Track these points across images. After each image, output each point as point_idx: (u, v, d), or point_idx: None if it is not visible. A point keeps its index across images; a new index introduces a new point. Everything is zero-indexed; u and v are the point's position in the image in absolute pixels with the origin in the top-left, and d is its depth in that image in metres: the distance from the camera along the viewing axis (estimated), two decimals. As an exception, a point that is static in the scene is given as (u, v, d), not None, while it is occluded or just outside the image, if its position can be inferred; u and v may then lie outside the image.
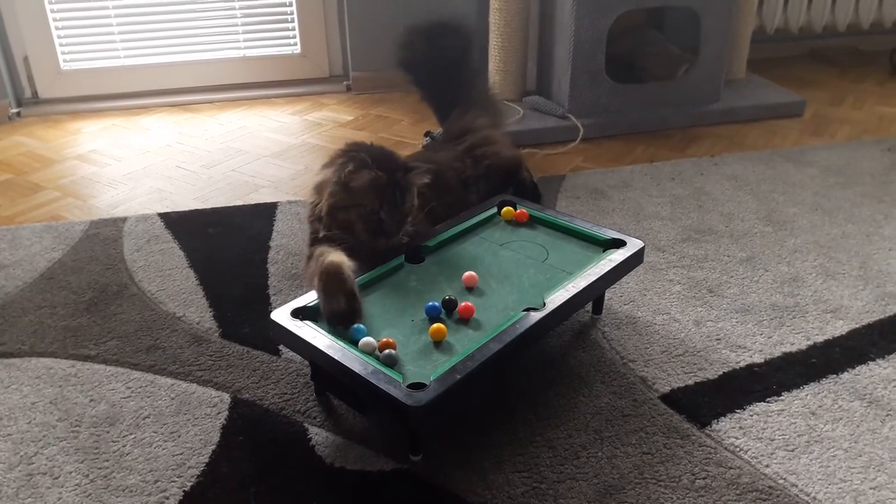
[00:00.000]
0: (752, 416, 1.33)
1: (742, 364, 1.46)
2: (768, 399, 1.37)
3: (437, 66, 2.14)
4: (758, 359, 1.48)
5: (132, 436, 1.30)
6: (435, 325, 1.27)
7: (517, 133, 2.49)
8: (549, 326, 1.38)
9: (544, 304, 1.33)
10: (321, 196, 1.51)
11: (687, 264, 1.80)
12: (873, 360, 1.47)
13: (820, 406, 1.36)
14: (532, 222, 1.64)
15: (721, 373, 1.44)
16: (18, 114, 2.80)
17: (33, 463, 1.24)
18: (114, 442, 1.28)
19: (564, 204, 2.09)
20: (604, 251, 1.52)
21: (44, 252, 1.86)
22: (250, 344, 1.52)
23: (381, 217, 1.45)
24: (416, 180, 1.51)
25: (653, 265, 1.79)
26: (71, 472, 1.22)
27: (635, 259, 1.51)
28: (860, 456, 1.25)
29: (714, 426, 1.31)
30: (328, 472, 1.22)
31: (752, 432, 1.29)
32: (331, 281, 1.32)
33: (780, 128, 2.67)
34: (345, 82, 3.10)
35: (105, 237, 1.93)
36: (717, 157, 2.40)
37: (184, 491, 1.19)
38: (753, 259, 1.82)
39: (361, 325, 1.27)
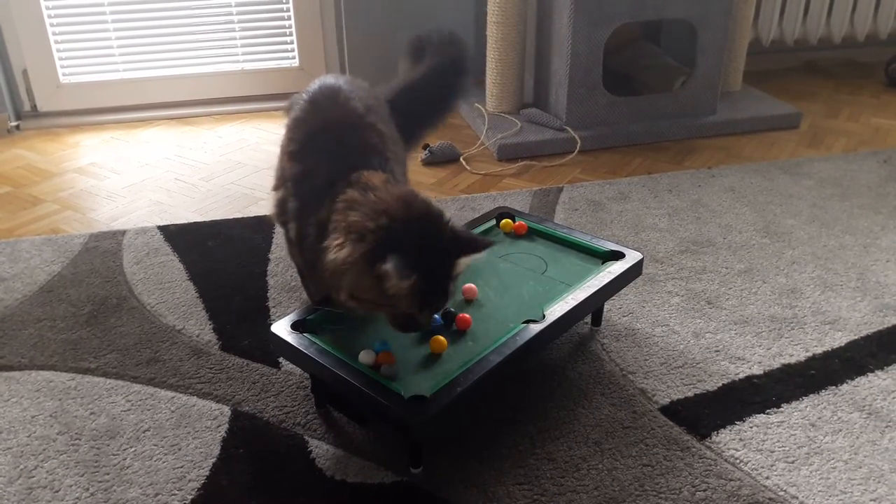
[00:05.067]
0: (751, 427, 1.33)
1: (741, 376, 1.47)
2: (768, 411, 1.37)
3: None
4: (757, 370, 1.48)
5: (132, 449, 1.30)
6: (435, 338, 1.27)
7: (515, 145, 2.51)
8: (549, 338, 1.39)
9: (544, 316, 1.34)
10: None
11: (685, 276, 1.80)
12: (872, 371, 1.48)
13: (819, 418, 1.36)
14: (531, 234, 1.65)
15: (720, 384, 1.44)
16: (18, 127, 2.80)
17: (33, 476, 1.24)
18: (114, 455, 1.28)
19: (563, 216, 2.09)
20: (602, 263, 1.52)
21: (43, 265, 1.86)
22: (250, 356, 1.52)
23: (418, 320, 1.23)
24: (463, 266, 1.23)
25: (651, 277, 1.79)
26: (71, 486, 1.22)
27: (634, 271, 1.52)
28: (860, 468, 1.25)
29: (714, 438, 1.31)
30: (328, 485, 1.22)
31: (752, 444, 1.30)
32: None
33: (776, 140, 2.68)
34: (343, 95, 3.10)
35: (104, 250, 1.93)
36: (714, 169, 2.41)
37: (184, 504, 1.19)
38: (751, 271, 1.83)
39: (386, 340, 1.27)
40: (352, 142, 1.37)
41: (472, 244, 1.21)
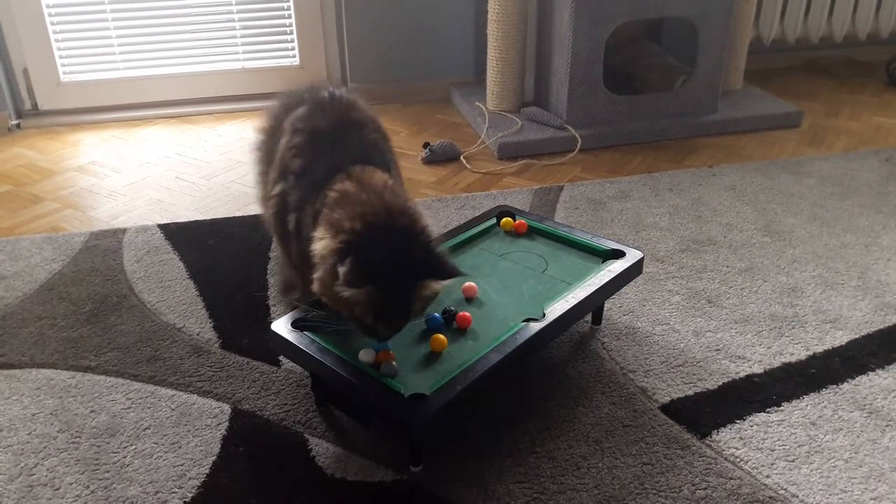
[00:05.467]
0: (752, 426, 1.33)
1: (742, 374, 1.46)
2: (768, 409, 1.37)
3: None
4: (757, 369, 1.48)
5: (133, 447, 1.30)
6: (435, 336, 1.27)
7: (516, 144, 2.50)
8: (549, 337, 1.39)
9: (544, 315, 1.34)
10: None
11: (686, 275, 1.80)
12: (873, 370, 1.48)
13: (820, 416, 1.36)
14: (531, 233, 1.64)
15: (721, 383, 1.44)
16: (18, 125, 2.80)
17: (34, 474, 1.24)
18: (114, 453, 1.28)
19: (563, 214, 2.09)
20: (603, 262, 1.52)
21: (44, 263, 1.86)
22: (250, 355, 1.52)
23: (377, 330, 1.21)
24: (433, 289, 1.21)
25: (652, 276, 1.79)
26: (72, 484, 1.22)
27: (634, 270, 1.52)
28: (860, 466, 1.25)
29: (714, 437, 1.31)
30: (328, 483, 1.22)
31: (752, 443, 1.30)
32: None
33: (777, 138, 2.68)
34: (344, 93, 3.10)
35: (105, 248, 1.93)
36: (715, 168, 2.41)
37: (184, 502, 1.18)
38: (752, 269, 1.83)
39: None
40: (354, 137, 1.37)
41: (438, 269, 1.18)
